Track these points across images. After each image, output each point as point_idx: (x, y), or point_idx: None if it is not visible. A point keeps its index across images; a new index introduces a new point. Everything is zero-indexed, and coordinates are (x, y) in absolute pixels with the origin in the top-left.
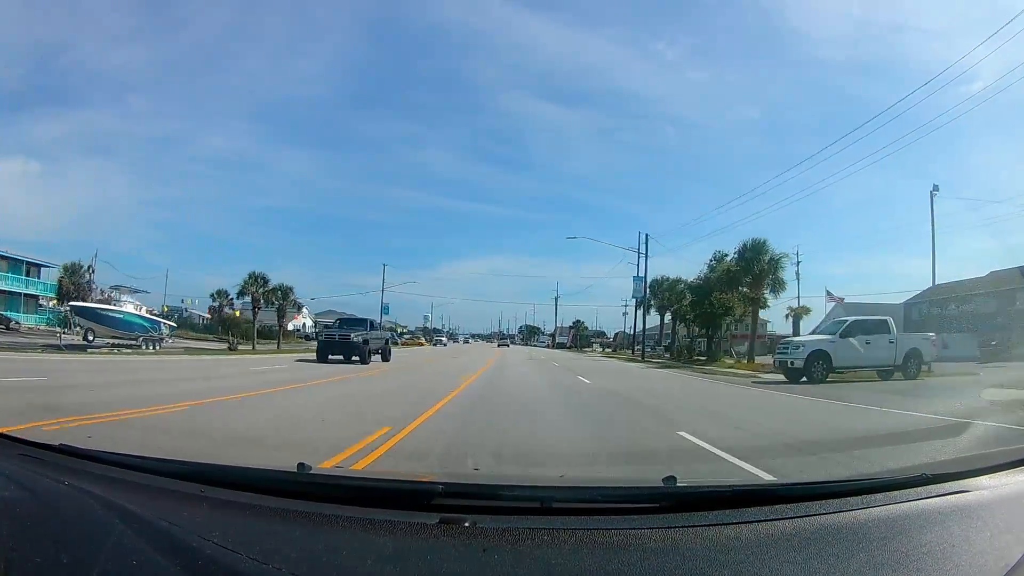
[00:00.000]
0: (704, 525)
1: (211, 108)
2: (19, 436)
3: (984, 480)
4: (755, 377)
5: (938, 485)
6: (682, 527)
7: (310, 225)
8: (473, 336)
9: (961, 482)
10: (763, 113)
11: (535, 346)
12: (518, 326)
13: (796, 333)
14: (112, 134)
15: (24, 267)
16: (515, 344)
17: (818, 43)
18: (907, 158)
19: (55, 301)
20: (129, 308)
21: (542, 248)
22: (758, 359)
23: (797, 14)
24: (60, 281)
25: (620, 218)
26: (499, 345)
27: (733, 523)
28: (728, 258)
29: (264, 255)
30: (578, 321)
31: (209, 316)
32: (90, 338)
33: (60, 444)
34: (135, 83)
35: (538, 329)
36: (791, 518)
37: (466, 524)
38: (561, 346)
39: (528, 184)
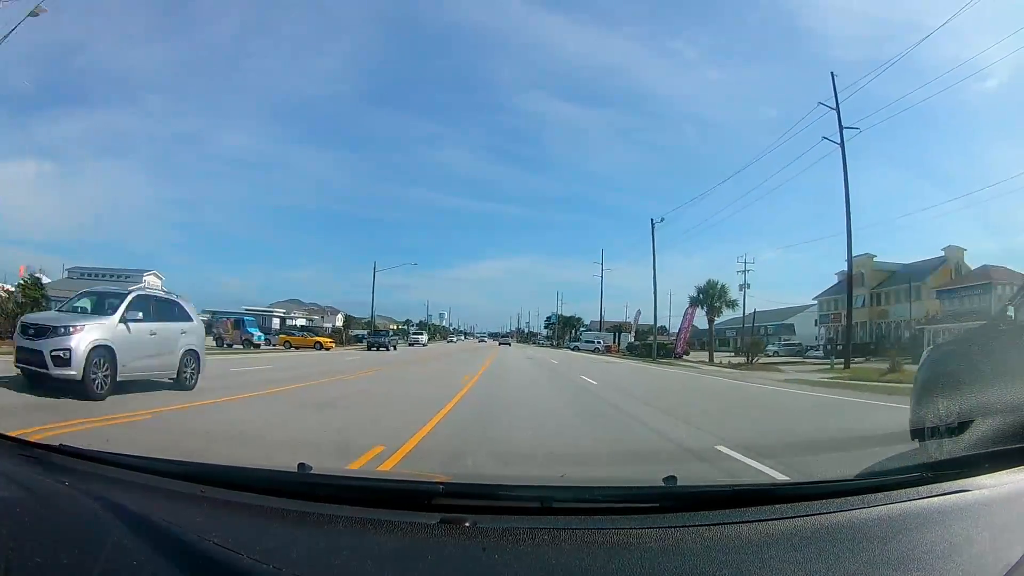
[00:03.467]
0: (704, 525)
1: (228, 107)
2: (19, 436)
3: (984, 480)
4: None
5: (938, 485)
6: (682, 527)
7: (327, 225)
8: (492, 335)
9: (961, 482)
10: (781, 111)
11: (580, 350)
12: (544, 318)
13: None
14: (128, 134)
15: None
16: (539, 346)
17: (834, 42)
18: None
19: None
20: None
21: (561, 248)
22: None
23: (815, 13)
24: None
25: (641, 217)
26: (500, 343)
27: (733, 523)
28: None
29: (282, 254)
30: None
31: None
32: None
33: (60, 444)
34: (151, 83)
35: (578, 321)
36: (791, 518)
37: (466, 524)
38: (652, 351)
39: (547, 184)
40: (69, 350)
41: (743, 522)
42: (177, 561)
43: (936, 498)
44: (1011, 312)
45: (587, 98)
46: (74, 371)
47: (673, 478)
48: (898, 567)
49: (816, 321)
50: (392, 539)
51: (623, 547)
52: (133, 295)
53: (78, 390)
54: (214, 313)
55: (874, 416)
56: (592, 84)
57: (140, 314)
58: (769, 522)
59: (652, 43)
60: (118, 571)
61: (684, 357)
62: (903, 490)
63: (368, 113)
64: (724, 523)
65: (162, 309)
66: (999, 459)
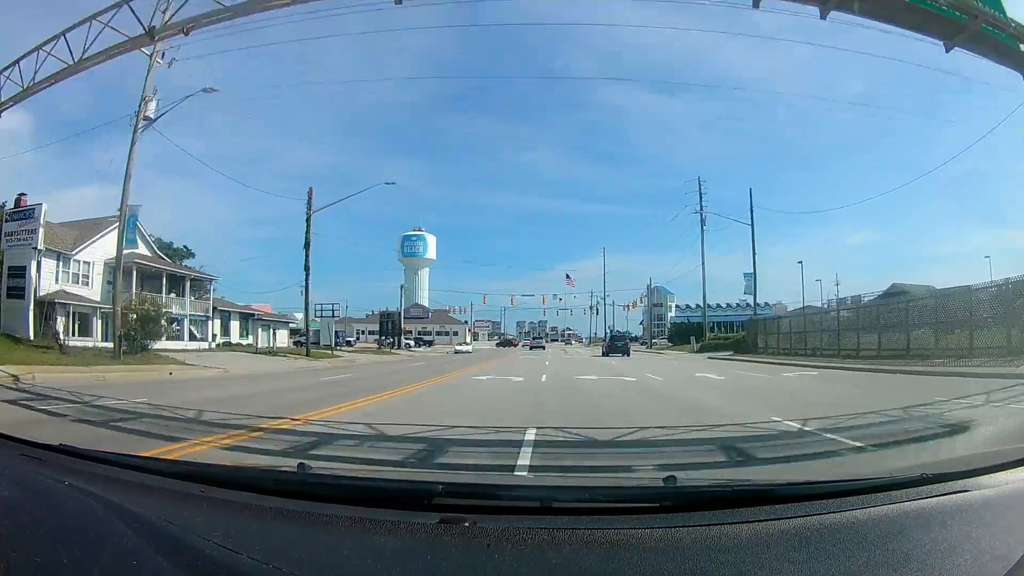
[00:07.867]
0: (704, 525)
1: (297, 123)
2: (19, 436)
3: (984, 480)
4: None
5: (938, 485)
6: (682, 527)
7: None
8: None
9: (961, 482)
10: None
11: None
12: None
13: None
14: (194, 155)
15: None
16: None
17: None
18: None
19: None
20: None
21: (654, 244)
22: None
23: None
24: None
25: (731, 209)
26: (533, 346)
27: (733, 523)
28: None
29: (369, 266)
30: None
31: None
32: None
33: (60, 444)
34: (212, 102)
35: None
36: (791, 518)
37: (466, 524)
38: None
39: (635, 180)
40: None
41: (743, 522)
42: (177, 561)
43: (936, 498)
44: None
45: (670, 86)
46: None
47: (673, 478)
48: (898, 567)
49: None
50: (392, 539)
51: (623, 547)
52: None
53: None
54: None
55: None
56: (673, 70)
57: None
58: (769, 522)
59: (732, 17)
60: (118, 571)
61: None
62: (903, 490)
63: (446, 118)
64: (724, 523)
65: None
66: (999, 459)
